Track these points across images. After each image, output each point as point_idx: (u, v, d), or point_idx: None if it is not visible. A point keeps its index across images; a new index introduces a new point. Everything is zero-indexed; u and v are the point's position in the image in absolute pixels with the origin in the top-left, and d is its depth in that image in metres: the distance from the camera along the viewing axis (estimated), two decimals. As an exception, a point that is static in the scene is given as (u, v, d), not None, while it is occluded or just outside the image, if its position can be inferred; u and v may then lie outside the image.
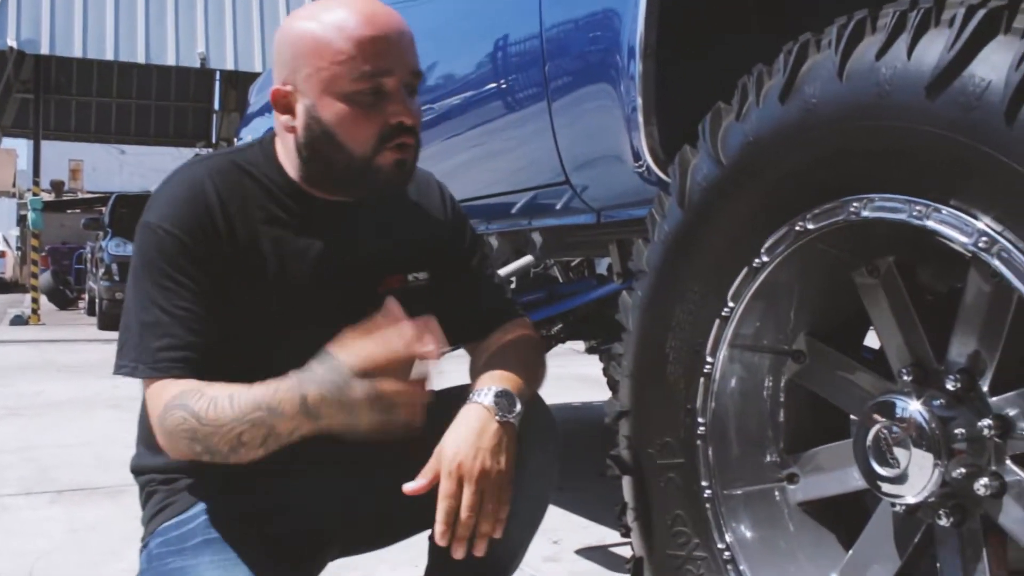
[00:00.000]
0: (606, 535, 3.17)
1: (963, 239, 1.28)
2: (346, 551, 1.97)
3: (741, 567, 1.60)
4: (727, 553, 1.61)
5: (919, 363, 1.48)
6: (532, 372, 1.80)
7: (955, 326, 1.43)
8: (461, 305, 1.92)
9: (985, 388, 1.40)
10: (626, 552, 2.15)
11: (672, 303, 1.65)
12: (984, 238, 1.25)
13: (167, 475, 1.73)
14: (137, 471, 1.84)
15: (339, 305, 1.74)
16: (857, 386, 1.57)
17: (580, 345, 5.14)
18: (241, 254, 1.71)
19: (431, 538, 1.83)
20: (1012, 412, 1.37)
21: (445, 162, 3.10)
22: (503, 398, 1.66)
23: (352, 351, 1.54)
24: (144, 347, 1.64)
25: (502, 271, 2.98)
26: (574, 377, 6.72)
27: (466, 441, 1.60)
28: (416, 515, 1.82)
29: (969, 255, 1.29)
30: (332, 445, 1.81)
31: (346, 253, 1.79)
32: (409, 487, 1.59)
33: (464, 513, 1.58)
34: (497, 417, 1.63)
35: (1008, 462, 1.36)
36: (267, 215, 1.75)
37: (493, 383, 1.69)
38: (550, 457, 1.82)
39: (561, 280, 4.47)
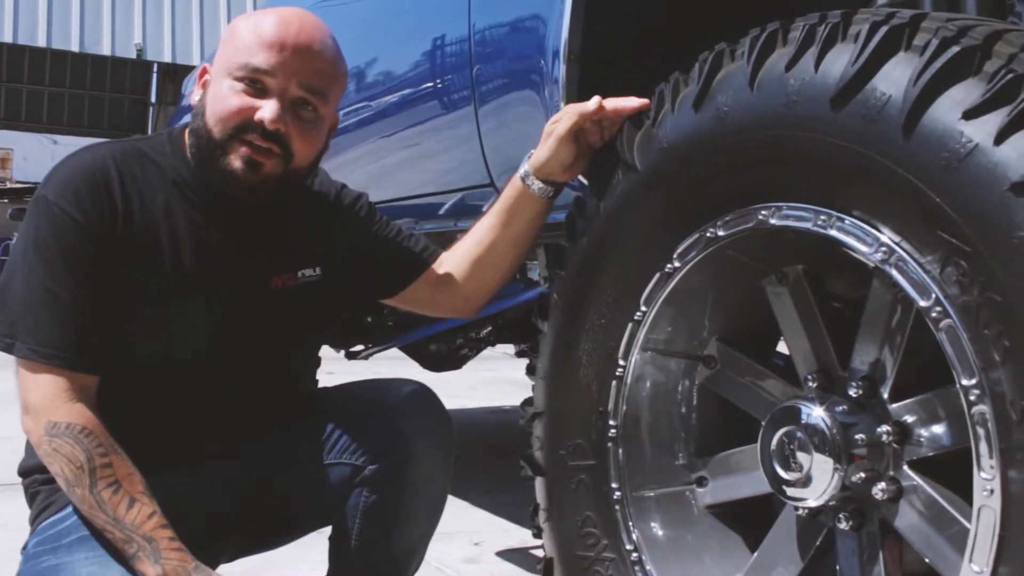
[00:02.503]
0: (528, 537, 3.17)
1: (864, 249, 1.31)
2: (240, 551, 1.96)
3: (648, 568, 1.62)
4: (635, 554, 1.63)
5: (824, 370, 1.52)
6: None
7: (858, 335, 1.46)
8: (386, 252, 1.96)
9: (885, 395, 1.43)
10: (543, 553, 2.17)
11: (586, 306, 1.67)
12: (883, 248, 1.28)
13: (47, 475, 1.71)
14: (23, 472, 1.81)
15: (230, 300, 1.75)
16: (764, 391, 1.60)
17: (512, 349, 5.16)
18: (136, 240, 1.69)
19: (331, 539, 1.83)
20: (910, 419, 1.40)
21: (377, 162, 3.10)
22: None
23: None
24: (26, 326, 1.62)
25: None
26: (506, 381, 6.73)
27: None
28: (310, 513, 1.84)
29: (872, 265, 1.32)
30: (221, 440, 1.81)
31: (241, 249, 1.79)
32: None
33: None
34: None
35: (905, 468, 1.40)
36: (167, 204, 1.74)
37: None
38: (444, 456, 1.87)
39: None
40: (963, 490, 1.28)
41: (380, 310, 4.15)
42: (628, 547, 1.64)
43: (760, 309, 1.60)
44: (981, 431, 1.15)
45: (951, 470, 1.34)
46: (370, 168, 3.14)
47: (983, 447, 1.15)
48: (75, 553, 1.64)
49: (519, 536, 3.15)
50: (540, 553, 1.80)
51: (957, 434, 1.33)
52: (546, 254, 2.92)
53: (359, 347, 4.34)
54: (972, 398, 1.16)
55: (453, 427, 1.86)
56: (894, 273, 1.27)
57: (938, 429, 1.37)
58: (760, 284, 1.58)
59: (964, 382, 1.17)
